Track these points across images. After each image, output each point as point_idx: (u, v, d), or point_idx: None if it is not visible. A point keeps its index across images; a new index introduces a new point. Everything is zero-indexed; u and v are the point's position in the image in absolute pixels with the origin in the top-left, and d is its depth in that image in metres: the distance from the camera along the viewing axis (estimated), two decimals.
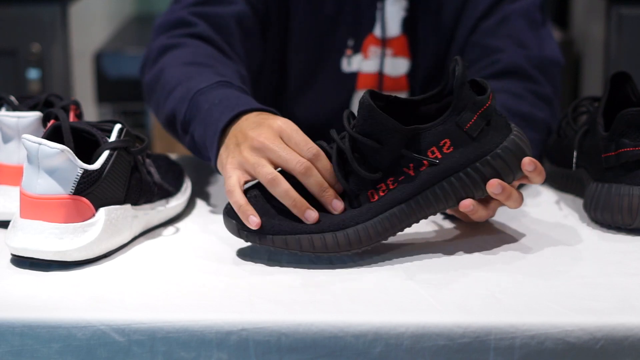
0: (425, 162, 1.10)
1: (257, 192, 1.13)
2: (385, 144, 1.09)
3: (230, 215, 1.13)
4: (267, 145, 1.13)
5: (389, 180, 1.10)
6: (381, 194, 1.11)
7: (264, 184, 1.12)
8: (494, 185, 1.11)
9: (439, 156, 1.10)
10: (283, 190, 1.10)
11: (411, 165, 1.10)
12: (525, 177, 1.13)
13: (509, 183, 1.12)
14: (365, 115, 1.09)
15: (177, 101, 1.30)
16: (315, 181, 1.11)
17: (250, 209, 1.10)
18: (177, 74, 1.34)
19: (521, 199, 1.14)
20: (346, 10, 1.53)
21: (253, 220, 1.10)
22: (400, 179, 1.10)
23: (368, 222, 1.10)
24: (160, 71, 1.39)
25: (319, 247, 1.10)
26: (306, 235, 1.10)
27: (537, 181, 1.13)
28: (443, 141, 1.10)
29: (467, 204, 1.11)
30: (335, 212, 1.10)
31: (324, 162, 1.12)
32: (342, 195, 1.12)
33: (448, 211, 1.21)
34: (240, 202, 1.11)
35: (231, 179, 1.13)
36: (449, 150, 1.10)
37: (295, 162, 1.11)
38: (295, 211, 1.10)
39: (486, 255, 1.13)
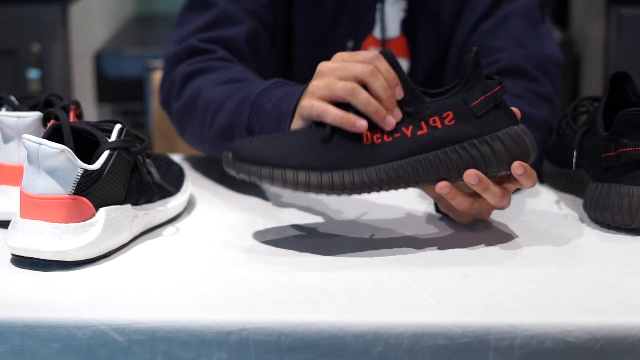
0: (424, 126, 1.12)
1: (253, 136, 1.16)
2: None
3: (229, 149, 1.14)
4: (330, 65, 1.16)
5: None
6: (375, 140, 1.12)
7: (343, 96, 1.13)
8: (470, 175, 1.11)
9: (439, 126, 1.12)
10: (365, 98, 1.12)
11: (410, 126, 1.12)
12: (516, 180, 1.13)
13: (501, 170, 1.12)
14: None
15: (231, 111, 1.30)
16: (381, 83, 1.13)
17: (353, 115, 1.12)
18: (219, 92, 1.34)
19: (501, 195, 1.14)
20: (346, 11, 1.53)
21: (360, 124, 1.12)
22: (396, 135, 1.12)
23: (355, 170, 1.11)
24: (195, 94, 1.38)
25: (302, 183, 1.11)
26: (292, 169, 1.11)
27: (527, 185, 1.14)
28: (446, 113, 1.12)
29: (441, 186, 1.12)
30: (394, 120, 1.12)
31: (384, 62, 1.14)
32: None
33: (443, 209, 1.21)
34: (339, 113, 1.13)
35: (315, 104, 1.14)
36: (450, 123, 1.12)
37: (362, 66, 1.13)
38: (376, 117, 1.12)
39: (486, 255, 1.13)
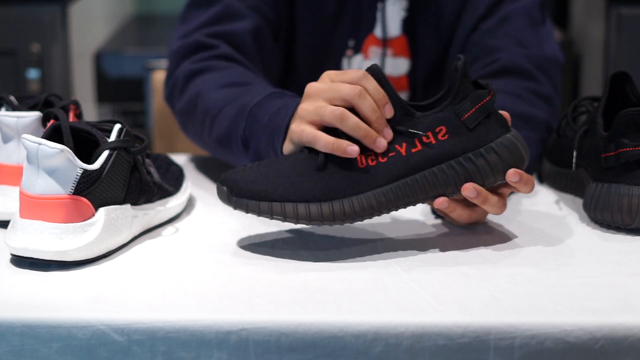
0: (418, 143, 1.11)
1: (245, 166, 1.15)
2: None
3: (223, 182, 1.13)
4: (318, 87, 1.16)
5: None
6: (370, 162, 1.11)
7: (332, 122, 1.12)
8: (468, 189, 1.11)
9: (433, 142, 1.11)
10: (354, 123, 1.11)
11: (404, 144, 1.11)
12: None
13: (498, 180, 1.12)
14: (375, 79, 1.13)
15: (230, 120, 1.30)
16: (369, 105, 1.12)
17: (344, 141, 1.11)
18: (219, 96, 1.34)
19: (501, 205, 1.14)
20: (347, 10, 1.53)
21: (351, 149, 1.11)
22: (390, 155, 1.11)
23: (354, 197, 1.11)
24: (195, 96, 1.38)
25: (303, 216, 1.10)
26: (291, 203, 1.10)
27: (525, 191, 1.14)
28: (439, 128, 1.11)
29: (440, 202, 1.12)
30: (385, 142, 1.11)
31: (372, 82, 1.13)
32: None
33: (440, 212, 1.21)
34: (330, 140, 1.12)
35: (305, 130, 1.14)
36: (444, 138, 1.11)
37: (349, 88, 1.13)
38: (367, 141, 1.11)
39: (486, 255, 1.13)
